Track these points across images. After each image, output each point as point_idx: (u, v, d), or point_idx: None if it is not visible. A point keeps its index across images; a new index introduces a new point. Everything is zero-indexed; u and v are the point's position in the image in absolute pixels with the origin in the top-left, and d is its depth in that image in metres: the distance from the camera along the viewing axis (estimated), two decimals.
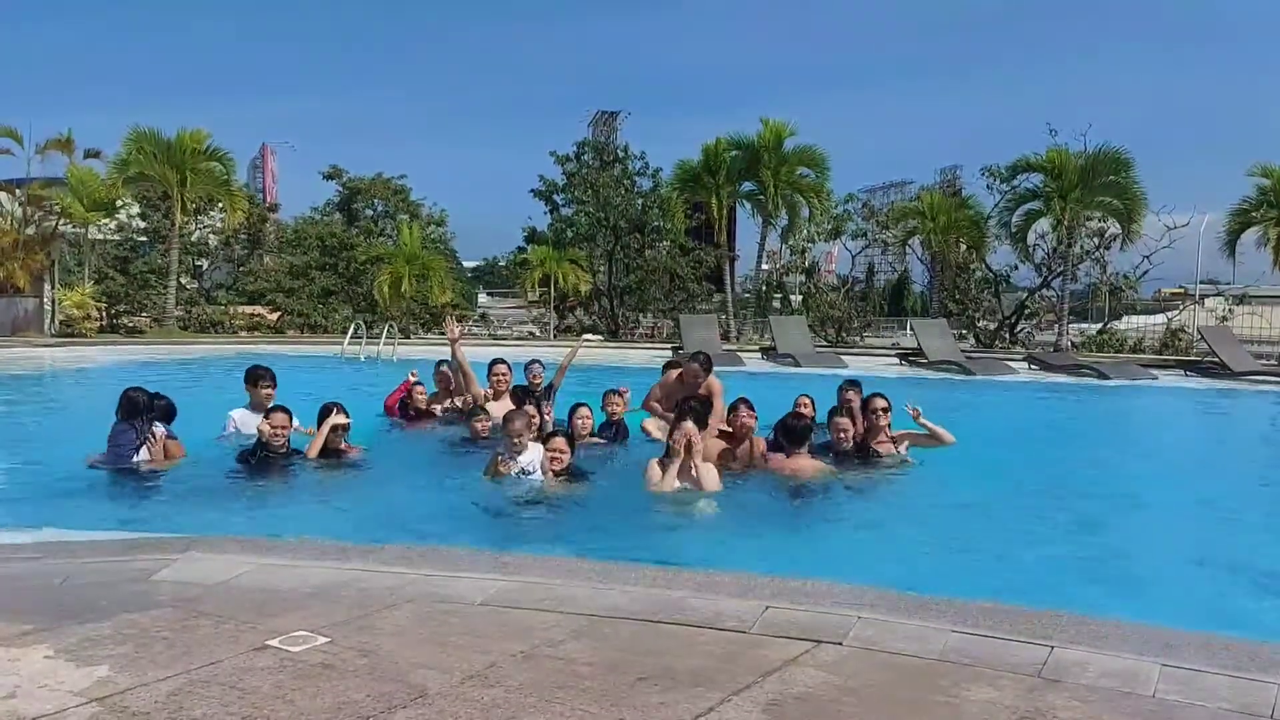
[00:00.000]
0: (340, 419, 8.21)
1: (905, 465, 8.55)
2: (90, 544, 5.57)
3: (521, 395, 9.69)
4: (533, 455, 7.52)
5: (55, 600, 4.34)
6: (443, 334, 30.77)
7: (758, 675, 3.44)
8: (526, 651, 3.65)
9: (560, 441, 7.62)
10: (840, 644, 3.78)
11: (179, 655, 3.51)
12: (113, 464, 7.79)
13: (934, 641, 3.81)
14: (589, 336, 10.53)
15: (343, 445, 8.28)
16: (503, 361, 10.03)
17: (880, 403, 8.77)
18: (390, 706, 3.10)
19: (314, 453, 8.06)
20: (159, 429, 7.99)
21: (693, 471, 7.18)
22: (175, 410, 8.43)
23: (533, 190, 37.68)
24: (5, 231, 27.18)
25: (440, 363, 10.90)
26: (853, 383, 9.51)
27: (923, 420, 8.51)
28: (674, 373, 9.67)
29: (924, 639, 3.84)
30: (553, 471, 7.44)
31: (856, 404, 9.18)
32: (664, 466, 7.26)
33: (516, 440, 7.51)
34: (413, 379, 10.47)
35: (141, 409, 7.96)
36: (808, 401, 9.38)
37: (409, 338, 27.22)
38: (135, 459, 7.83)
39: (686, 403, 8.20)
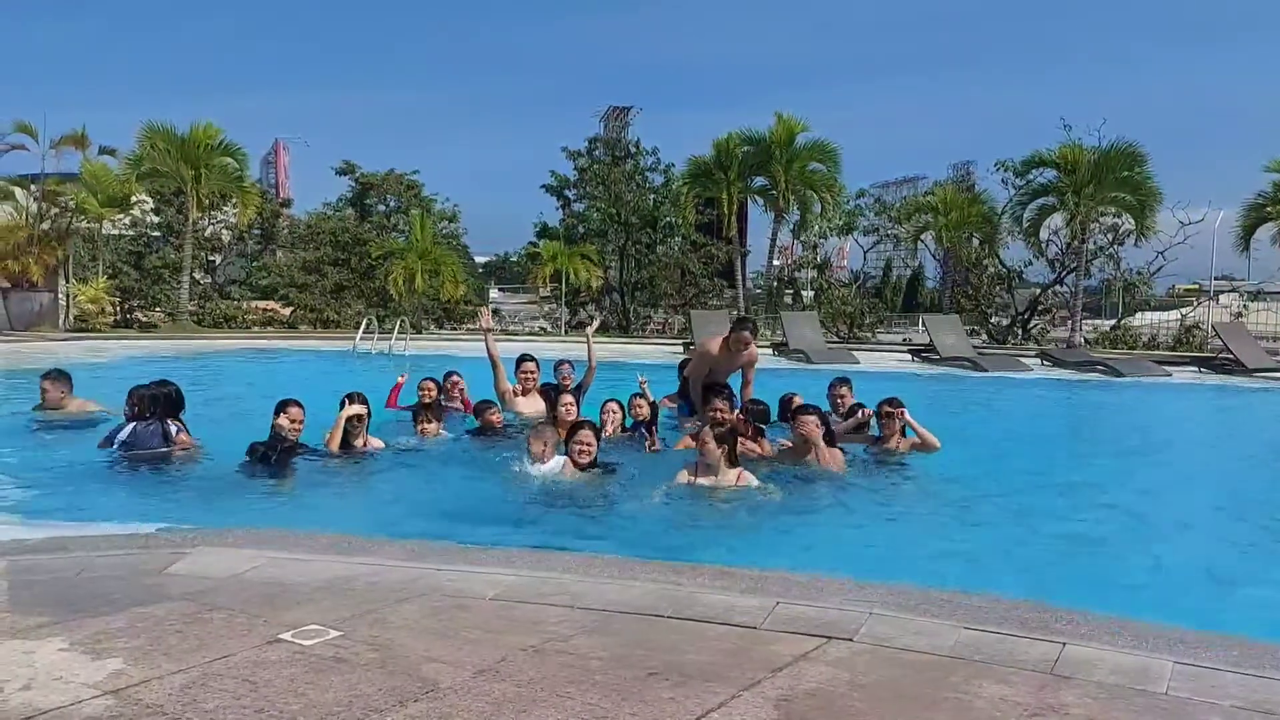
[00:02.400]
0: (358, 409, 8.22)
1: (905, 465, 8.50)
2: (104, 538, 5.60)
3: (549, 393, 9.72)
4: (554, 466, 7.54)
5: (69, 593, 4.37)
6: (455, 329, 31.00)
7: (768, 671, 3.44)
8: (537, 646, 3.65)
9: (587, 434, 7.60)
10: (851, 640, 3.77)
11: (192, 648, 3.53)
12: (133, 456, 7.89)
13: (945, 638, 3.80)
14: (590, 328, 10.56)
15: (361, 438, 8.27)
16: (531, 359, 10.05)
17: (888, 409, 8.77)
18: (402, 700, 3.11)
19: (335, 444, 8.09)
20: (172, 428, 8.06)
21: (727, 475, 7.18)
22: (182, 398, 8.49)
23: (544, 185, 37.77)
24: (20, 227, 27.34)
25: (450, 372, 10.93)
26: (843, 380, 9.59)
27: (908, 418, 8.47)
28: (715, 341, 9.52)
29: (935, 635, 3.84)
30: (579, 463, 7.46)
31: (849, 400, 9.21)
32: (695, 471, 7.25)
33: (540, 453, 7.57)
34: (402, 380, 10.44)
35: (149, 404, 8.03)
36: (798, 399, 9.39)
37: (420, 333, 27.29)
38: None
39: (711, 392, 8.34)
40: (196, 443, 8.29)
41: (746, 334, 9.16)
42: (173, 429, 8.05)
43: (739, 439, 7.95)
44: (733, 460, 7.23)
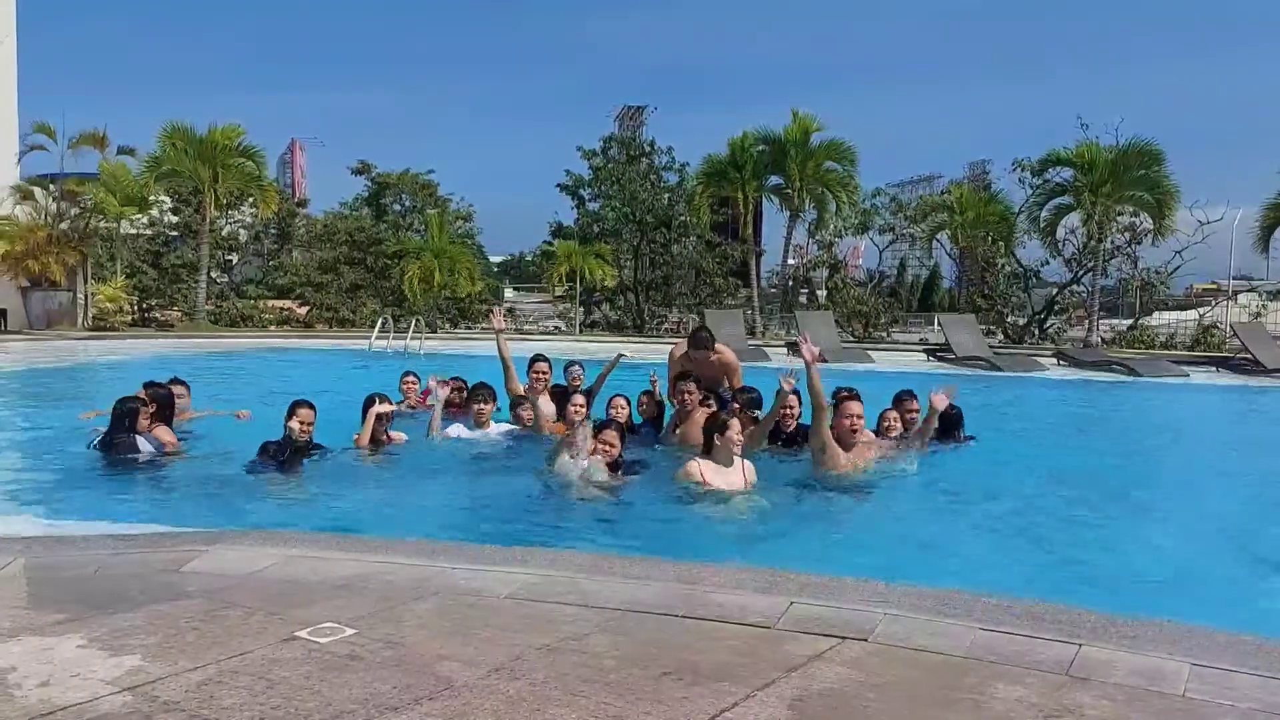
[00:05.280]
0: (384, 408, 8.50)
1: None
2: (121, 536, 5.64)
3: (560, 395, 9.70)
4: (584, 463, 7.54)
5: (87, 591, 4.41)
6: (470, 328, 31.06)
7: (782, 671, 3.44)
8: (551, 645, 3.66)
9: (612, 434, 7.59)
10: (865, 640, 3.76)
11: (208, 646, 3.55)
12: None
13: (960, 639, 3.79)
14: (625, 355, 10.23)
15: (387, 434, 8.57)
16: (543, 359, 10.02)
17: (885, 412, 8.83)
18: (416, 698, 3.12)
19: (364, 441, 8.37)
20: (141, 443, 8.08)
21: (731, 468, 7.17)
22: (172, 398, 8.64)
23: (559, 185, 37.79)
24: (40, 226, 27.53)
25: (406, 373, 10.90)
26: (910, 393, 9.39)
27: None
28: (680, 350, 9.40)
29: (950, 636, 3.82)
30: (604, 463, 7.44)
31: (913, 408, 9.14)
32: (701, 464, 7.23)
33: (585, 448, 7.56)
34: (433, 383, 10.47)
35: (116, 420, 8.06)
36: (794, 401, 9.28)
37: (435, 332, 27.35)
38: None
39: (680, 377, 8.54)
40: (179, 445, 8.36)
41: (702, 337, 9.04)
42: (144, 443, 8.04)
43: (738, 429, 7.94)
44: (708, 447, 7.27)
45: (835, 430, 7.65)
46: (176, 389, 9.68)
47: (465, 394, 10.37)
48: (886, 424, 8.78)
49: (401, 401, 10.20)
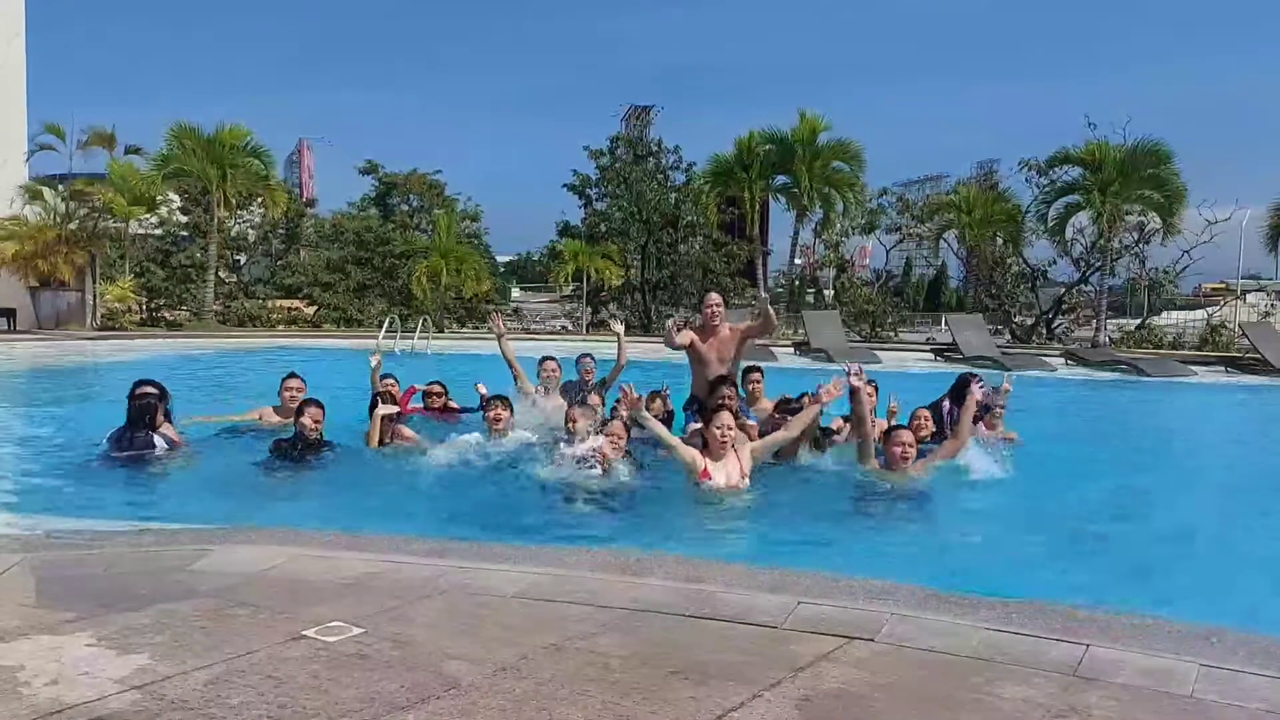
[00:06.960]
0: (389, 409, 8.66)
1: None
2: (129, 534, 5.66)
3: (572, 390, 9.70)
4: (590, 445, 7.51)
5: (96, 589, 4.42)
6: (478, 328, 31.10)
7: (789, 671, 3.43)
8: (558, 644, 3.66)
9: (618, 426, 7.64)
10: (873, 640, 3.76)
11: (216, 644, 3.56)
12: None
13: (967, 639, 3.79)
14: (615, 326, 10.22)
15: (393, 433, 8.68)
16: (552, 358, 10.07)
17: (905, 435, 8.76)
18: (423, 697, 3.12)
19: (374, 443, 8.47)
20: (158, 440, 8.06)
21: (726, 460, 7.19)
22: (168, 395, 8.60)
23: (566, 184, 37.84)
24: (49, 227, 27.62)
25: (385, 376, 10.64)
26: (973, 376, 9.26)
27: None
28: (688, 332, 9.29)
29: (957, 636, 3.82)
30: (609, 455, 7.45)
31: (975, 397, 9.07)
32: (707, 458, 7.24)
33: (571, 428, 7.63)
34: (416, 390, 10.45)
35: (135, 416, 8.05)
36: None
37: (442, 331, 27.38)
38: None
39: (720, 387, 8.40)
40: (182, 444, 8.36)
41: (713, 294, 8.99)
42: (158, 440, 8.03)
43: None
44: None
45: (887, 459, 7.69)
46: (295, 383, 9.42)
47: (445, 397, 10.39)
48: (916, 423, 8.74)
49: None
